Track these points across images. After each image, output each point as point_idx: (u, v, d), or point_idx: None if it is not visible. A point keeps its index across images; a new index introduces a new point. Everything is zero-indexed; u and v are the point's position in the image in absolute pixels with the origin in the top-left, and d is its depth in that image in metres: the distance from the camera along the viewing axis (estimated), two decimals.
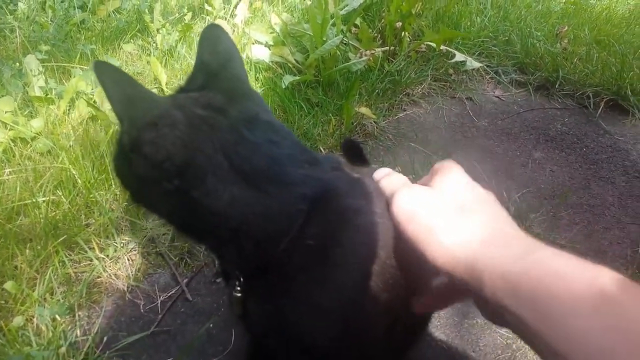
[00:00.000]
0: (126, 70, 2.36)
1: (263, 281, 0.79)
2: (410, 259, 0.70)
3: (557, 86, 2.67)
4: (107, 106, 1.99)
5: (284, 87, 2.25)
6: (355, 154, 1.10)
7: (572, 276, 0.50)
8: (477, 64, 2.60)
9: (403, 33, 2.62)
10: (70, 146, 1.81)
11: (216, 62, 0.86)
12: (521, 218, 1.82)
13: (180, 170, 0.72)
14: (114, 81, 0.70)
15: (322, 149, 2.08)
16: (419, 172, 2.00)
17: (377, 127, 2.28)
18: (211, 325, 1.44)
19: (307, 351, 0.84)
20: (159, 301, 1.49)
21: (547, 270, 0.51)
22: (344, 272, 0.77)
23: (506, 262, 0.54)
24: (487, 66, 2.77)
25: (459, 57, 2.57)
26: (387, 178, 0.76)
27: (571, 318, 0.46)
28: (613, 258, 1.77)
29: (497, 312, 0.55)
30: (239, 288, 0.80)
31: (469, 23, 2.95)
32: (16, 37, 2.55)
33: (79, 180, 1.67)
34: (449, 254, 0.60)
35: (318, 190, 0.77)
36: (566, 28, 3.00)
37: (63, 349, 1.24)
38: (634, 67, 2.67)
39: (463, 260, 0.58)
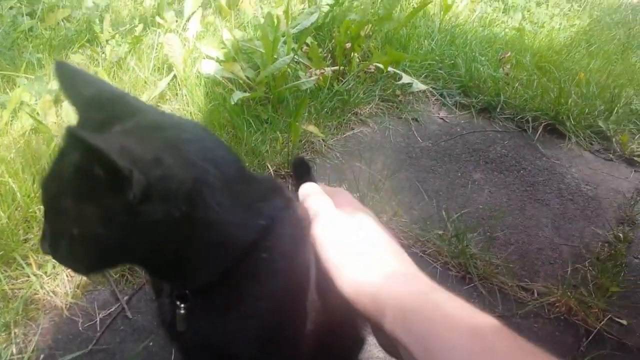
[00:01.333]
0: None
1: (208, 297, 0.82)
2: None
3: (498, 110, 2.78)
4: (50, 119, 1.97)
5: (233, 103, 2.27)
6: (304, 172, 1.14)
7: (459, 319, 0.56)
8: (422, 86, 2.68)
9: (352, 54, 2.68)
10: (10, 158, 1.78)
11: (101, 94, 0.79)
12: (459, 238, 1.89)
13: (189, 194, 0.70)
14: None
15: (269, 165, 2.10)
16: (363, 191, 2.05)
17: (324, 145, 2.32)
18: (151, 343, 1.44)
19: None
20: (98, 319, 1.48)
21: (438, 311, 0.56)
22: (281, 284, 0.83)
23: (406, 298, 0.59)
24: (433, 88, 2.86)
25: (406, 79, 2.64)
26: (310, 198, 0.80)
27: (450, 356, 0.51)
28: (545, 277, 1.85)
29: (391, 344, 0.60)
30: (182, 305, 0.82)
31: (416, 46, 3.05)
32: None
33: (18, 194, 1.64)
34: (355, 285, 0.65)
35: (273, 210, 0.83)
36: (509, 54, 3.12)
37: None
38: (572, 93, 2.81)
39: (368, 292, 0.63)
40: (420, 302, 0.58)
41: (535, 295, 1.76)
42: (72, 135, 0.61)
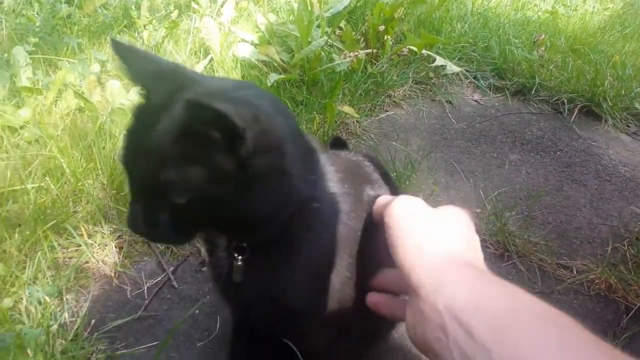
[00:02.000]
0: (112, 65, 2.39)
1: (265, 248, 0.86)
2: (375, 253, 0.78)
3: (533, 92, 2.76)
4: (94, 98, 2.02)
5: (269, 85, 2.29)
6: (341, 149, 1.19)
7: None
8: (456, 69, 2.68)
9: (386, 36, 2.69)
10: (58, 135, 1.83)
11: (161, 68, 0.81)
12: (497, 216, 1.89)
13: (280, 145, 0.75)
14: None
15: None
16: (399, 170, 2.06)
17: (359, 126, 2.34)
18: (197, 311, 1.47)
19: (290, 316, 0.92)
20: (146, 287, 1.52)
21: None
22: (331, 234, 0.88)
23: (471, 299, 0.58)
24: (467, 71, 2.85)
25: (440, 61, 2.64)
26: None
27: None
28: (584, 256, 1.84)
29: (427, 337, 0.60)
30: (240, 257, 0.86)
31: (449, 29, 3.04)
32: (2, 29, 2.56)
33: (67, 169, 1.69)
34: (418, 252, 0.66)
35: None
36: (543, 36, 3.10)
37: (54, 328, 1.27)
38: (608, 75, 2.78)
39: (429, 262, 0.64)
40: (497, 319, 0.55)
41: (575, 272, 1.76)
42: (195, 104, 0.64)
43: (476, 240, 0.72)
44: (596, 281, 1.72)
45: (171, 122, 0.69)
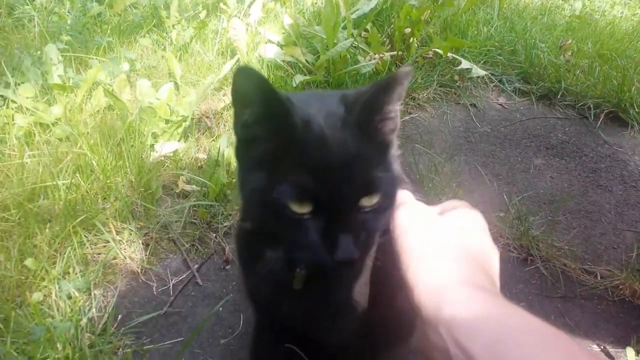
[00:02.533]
0: (141, 64, 2.43)
1: None
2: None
3: (559, 96, 2.74)
4: (124, 96, 2.06)
5: (294, 85, 2.31)
6: None
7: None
8: (482, 72, 2.67)
9: (411, 39, 2.69)
10: (88, 133, 1.87)
11: None
12: (520, 220, 1.89)
13: None
14: None
15: None
16: (423, 172, 2.07)
17: None
18: (221, 309, 1.49)
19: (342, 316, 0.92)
20: (171, 284, 1.55)
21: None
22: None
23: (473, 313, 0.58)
24: (492, 74, 2.84)
25: (465, 64, 2.64)
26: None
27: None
28: (608, 261, 1.83)
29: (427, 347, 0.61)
30: (301, 266, 0.83)
31: (475, 32, 3.03)
32: (34, 27, 2.62)
33: (97, 166, 1.73)
34: (420, 276, 0.65)
35: None
36: (570, 41, 3.07)
37: (83, 322, 1.30)
38: (635, 81, 2.75)
39: (431, 288, 0.63)
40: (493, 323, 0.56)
41: (599, 278, 1.75)
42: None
43: (487, 244, 0.71)
44: (620, 287, 1.71)
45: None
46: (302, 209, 0.68)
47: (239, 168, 0.79)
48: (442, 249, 0.67)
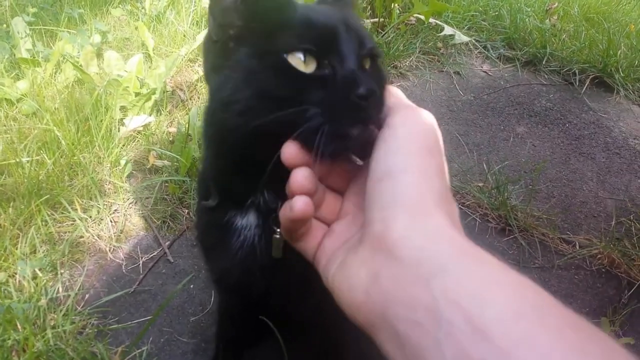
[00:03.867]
0: (114, 36, 2.36)
1: None
2: None
3: (544, 62, 2.69)
4: (92, 69, 2.00)
5: None
6: None
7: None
8: (465, 38, 2.61)
9: (393, 5, 2.62)
10: (55, 108, 1.82)
11: None
12: (499, 190, 1.86)
13: None
14: None
15: None
16: None
17: None
18: (192, 285, 1.47)
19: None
20: (141, 262, 1.52)
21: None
22: None
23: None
24: (476, 40, 2.78)
25: (448, 30, 2.58)
26: None
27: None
28: (588, 230, 1.81)
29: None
30: (278, 230, 0.75)
31: None
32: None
33: (63, 142, 1.68)
34: (399, 199, 0.51)
35: None
36: (556, 5, 3.01)
37: (43, 302, 1.27)
38: (622, 45, 2.70)
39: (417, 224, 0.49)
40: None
41: (577, 247, 1.73)
42: None
43: (445, 170, 0.56)
44: (599, 256, 1.70)
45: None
46: (306, 67, 0.62)
47: (216, 80, 0.71)
48: (423, 165, 0.53)
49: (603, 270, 1.66)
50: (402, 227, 0.48)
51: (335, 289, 0.54)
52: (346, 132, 0.59)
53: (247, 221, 0.81)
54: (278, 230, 0.76)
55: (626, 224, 1.83)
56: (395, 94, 0.66)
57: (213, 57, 0.72)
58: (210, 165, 0.85)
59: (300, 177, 0.58)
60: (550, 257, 1.69)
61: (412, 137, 0.55)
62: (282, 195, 0.63)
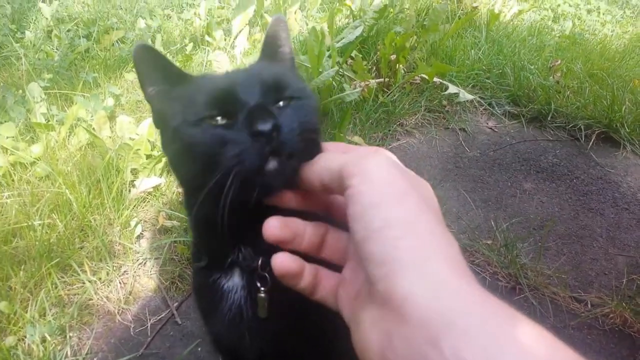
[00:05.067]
0: (127, 99, 2.43)
1: None
2: None
3: (549, 118, 2.72)
4: (104, 133, 2.05)
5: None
6: None
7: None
8: (470, 96, 2.65)
9: (397, 65, 2.68)
10: (68, 171, 1.85)
11: None
12: (508, 247, 1.85)
13: None
14: None
15: None
16: None
17: None
18: (199, 348, 1.46)
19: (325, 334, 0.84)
20: (149, 324, 1.52)
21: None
22: None
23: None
24: (481, 98, 2.83)
25: (453, 89, 2.62)
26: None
27: None
28: (599, 288, 1.79)
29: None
30: (263, 289, 0.76)
31: (463, 56, 3.02)
32: (22, 64, 2.63)
33: (75, 204, 1.71)
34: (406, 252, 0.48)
35: None
36: (559, 62, 3.06)
37: None
38: (626, 100, 2.72)
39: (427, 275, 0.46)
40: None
41: (589, 306, 1.71)
42: None
43: (429, 203, 0.54)
44: (611, 315, 1.67)
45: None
46: (223, 119, 0.67)
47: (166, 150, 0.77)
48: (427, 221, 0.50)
49: (616, 329, 1.64)
50: (404, 285, 0.45)
51: (357, 350, 0.52)
52: (254, 170, 0.61)
53: (233, 282, 0.81)
54: (263, 288, 0.76)
55: (638, 281, 1.81)
56: (351, 147, 0.64)
57: (161, 138, 0.78)
58: (190, 226, 0.89)
59: (271, 227, 0.59)
60: (562, 317, 1.67)
61: (382, 185, 0.51)
62: (260, 250, 0.64)
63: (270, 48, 0.82)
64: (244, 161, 0.62)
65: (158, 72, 0.75)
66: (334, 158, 0.58)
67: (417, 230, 0.48)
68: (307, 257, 0.62)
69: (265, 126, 0.61)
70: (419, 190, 0.53)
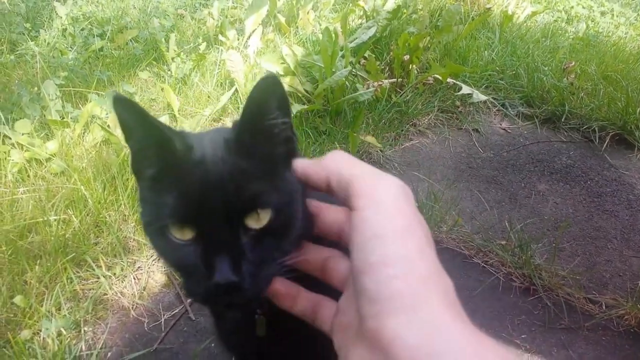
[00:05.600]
0: (140, 97, 2.44)
1: None
2: None
3: (563, 120, 2.71)
4: (119, 131, 2.05)
5: (292, 115, 2.30)
6: None
7: None
8: (483, 97, 2.65)
9: (410, 66, 2.68)
10: (83, 168, 1.87)
11: None
12: (522, 248, 1.84)
13: None
14: None
15: None
16: (422, 201, 2.04)
17: (382, 156, 2.32)
18: (212, 344, 1.46)
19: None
20: (163, 319, 1.53)
21: None
22: None
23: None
24: (494, 99, 2.81)
25: (466, 89, 2.62)
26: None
27: None
28: (614, 290, 1.77)
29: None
30: (259, 311, 0.76)
31: (476, 57, 3.01)
32: (36, 62, 2.64)
33: (90, 201, 1.72)
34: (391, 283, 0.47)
35: None
36: (573, 63, 3.04)
37: None
38: None
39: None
40: None
41: (604, 307, 1.70)
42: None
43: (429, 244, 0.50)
44: (626, 317, 1.66)
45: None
46: (184, 235, 0.60)
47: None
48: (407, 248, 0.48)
49: (631, 330, 1.62)
50: (394, 325, 0.43)
51: None
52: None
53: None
54: (259, 311, 0.76)
55: None
56: (356, 165, 0.55)
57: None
58: None
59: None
60: (576, 318, 1.65)
61: (386, 215, 0.49)
62: None
63: (253, 123, 0.62)
64: (204, 300, 0.61)
65: (137, 129, 0.63)
66: (347, 165, 0.54)
67: (415, 271, 0.46)
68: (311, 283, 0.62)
69: (223, 279, 0.58)
70: (422, 224, 0.50)
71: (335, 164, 0.55)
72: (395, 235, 0.47)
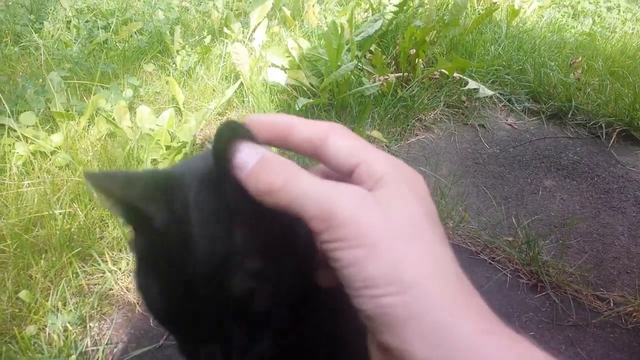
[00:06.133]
0: (145, 90, 2.42)
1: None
2: None
3: (570, 115, 2.69)
4: (124, 123, 2.04)
5: (297, 109, 2.29)
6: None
7: None
8: (489, 92, 2.63)
9: (417, 60, 2.66)
10: (88, 161, 1.85)
11: None
12: (529, 244, 1.83)
13: None
14: None
15: None
16: None
17: (388, 151, 2.31)
18: None
19: None
20: None
21: None
22: None
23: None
24: (500, 94, 2.80)
25: (472, 84, 2.60)
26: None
27: None
28: (621, 287, 1.76)
29: None
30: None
31: (483, 51, 3.00)
32: (41, 54, 2.63)
33: (95, 194, 1.71)
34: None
35: None
36: (580, 59, 3.02)
37: (73, 358, 1.27)
38: None
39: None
40: None
41: (612, 304, 1.69)
42: None
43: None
44: (634, 314, 1.65)
45: None
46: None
47: None
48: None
49: (639, 328, 1.61)
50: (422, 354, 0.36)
51: None
52: None
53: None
54: None
55: None
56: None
57: None
58: None
59: None
60: (584, 315, 1.64)
61: (402, 223, 0.38)
62: None
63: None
64: None
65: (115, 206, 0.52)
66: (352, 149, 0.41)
67: (435, 294, 0.37)
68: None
69: None
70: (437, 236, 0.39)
71: (341, 152, 0.41)
72: (412, 248, 0.38)
